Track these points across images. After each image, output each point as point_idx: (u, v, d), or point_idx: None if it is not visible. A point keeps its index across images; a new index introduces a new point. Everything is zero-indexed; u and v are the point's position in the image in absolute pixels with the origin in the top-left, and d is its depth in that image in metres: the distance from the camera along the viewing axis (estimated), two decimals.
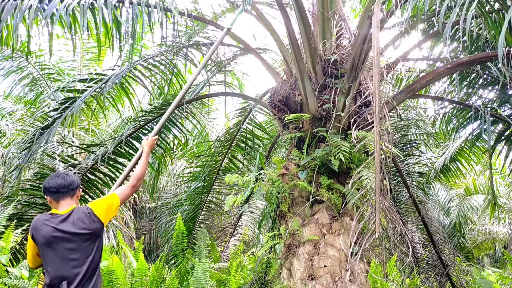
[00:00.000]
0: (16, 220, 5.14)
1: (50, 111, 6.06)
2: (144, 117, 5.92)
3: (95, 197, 5.76)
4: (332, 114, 4.21)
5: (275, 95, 4.75)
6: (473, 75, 5.76)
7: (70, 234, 2.58)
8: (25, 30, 3.97)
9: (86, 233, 2.61)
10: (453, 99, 6.04)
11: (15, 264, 5.18)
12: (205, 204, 7.40)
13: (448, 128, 6.58)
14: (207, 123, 10.34)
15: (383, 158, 3.32)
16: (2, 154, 8.02)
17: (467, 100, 5.99)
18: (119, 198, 2.83)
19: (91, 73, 5.69)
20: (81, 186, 5.28)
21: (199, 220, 7.47)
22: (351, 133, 3.96)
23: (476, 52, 5.45)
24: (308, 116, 4.23)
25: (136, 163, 3.43)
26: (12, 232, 4.78)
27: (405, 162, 6.88)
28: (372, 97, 4.24)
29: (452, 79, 5.85)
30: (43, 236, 2.56)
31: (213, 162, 6.98)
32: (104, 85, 5.06)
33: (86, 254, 2.59)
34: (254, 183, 4.29)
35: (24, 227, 5.24)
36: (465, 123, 6.25)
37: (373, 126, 4.41)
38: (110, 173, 5.77)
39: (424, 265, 7.00)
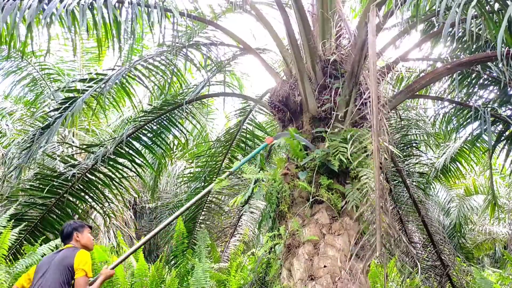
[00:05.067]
0: (15, 220, 5.14)
1: (50, 111, 6.06)
2: (144, 117, 5.92)
3: (95, 197, 5.76)
4: (332, 114, 4.21)
5: (275, 95, 4.74)
6: (473, 75, 5.75)
7: (52, 261, 3.22)
8: (25, 30, 3.95)
9: (61, 262, 3.19)
10: (453, 99, 6.03)
11: (14, 263, 5.18)
12: (206, 205, 7.40)
13: (448, 128, 6.57)
14: (207, 123, 10.34)
15: (383, 159, 3.32)
16: (2, 154, 8.02)
17: (467, 100, 5.98)
18: (83, 276, 3.16)
19: (91, 73, 5.69)
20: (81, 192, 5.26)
21: (199, 221, 7.47)
22: (351, 134, 3.95)
23: (476, 52, 5.45)
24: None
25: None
26: (9, 232, 4.76)
27: (405, 163, 6.87)
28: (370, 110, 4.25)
29: (452, 79, 5.84)
30: (42, 263, 3.29)
31: (213, 163, 6.98)
32: (104, 85, 5.06)
33: (54, 277, 3.13)
34: (254, 183, 4.28)
35: (22, 226, 5.24)
36: (465, 123, 6.24)
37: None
38: (110, 173, 5.77)
39: (424, 265, 7.00)
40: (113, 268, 3.62)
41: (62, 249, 3.34)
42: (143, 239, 4.00)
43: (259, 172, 4.29)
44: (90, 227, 3.57)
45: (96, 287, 3.32)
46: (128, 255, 4.04)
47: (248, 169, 4.26)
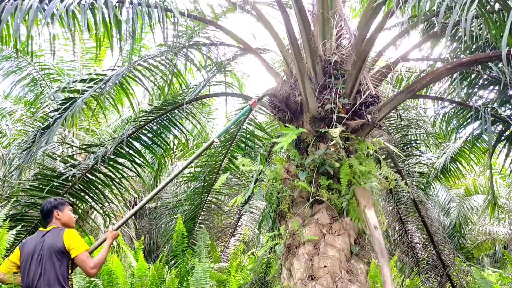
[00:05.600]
0: (14, 220, 5.13)
1: (50, 112, 6.05)
2: (145, 117, 5.92)
3: (95, 197, 5.76)
4: (333, 114, 4.21)
5: (275, 95, 4.74)
6: (474, 75, 5.75)
7: (41, 247, 3.17)
8: (24, 30, 3.95)
9: (52, 248, 3.15)
10: (453, 99, 6.03)
11: None
12: (205, 204, 7.40)
13: (448, 128, 6.57)
14: (207, 123, 10.34)
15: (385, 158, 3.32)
16: (2, 155, 8.02)
17: (468, 100, 5.99)
18: (82, 252, 3.18)
19: (91, 74, 5.68)
20: (79, 189, 5.26)
21: (199, 220, 7.47)
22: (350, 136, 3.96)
23: (476, 52, 5.45)
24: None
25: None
26: (7, 232, 4.75)
27: (405, 163, 6.88)
28: (372, 98, 4.25)
29: (452, 79, 5.85)
30: (28, 247, 3.21)
31: (213, 162, 6.97)
32: (104, 85, 5.05)
33: (49, 265, 3.10)
34: (255, 183, 4.28)
35: (22, 227, 5.23)
36: (465, 123, 6.24)
37: (373, 126, 4.42)
38: (110, 174, 5.77)
39: (424, 266, 7.00)
40: (117, 229, 3.60)
41: (47, 232, 3.28)
42: (149, 195, 4.01)
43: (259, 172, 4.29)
44: (71, 205, 3.52)
45: (105, 252, 3.34)
46: (134, 213, 4.07)
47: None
